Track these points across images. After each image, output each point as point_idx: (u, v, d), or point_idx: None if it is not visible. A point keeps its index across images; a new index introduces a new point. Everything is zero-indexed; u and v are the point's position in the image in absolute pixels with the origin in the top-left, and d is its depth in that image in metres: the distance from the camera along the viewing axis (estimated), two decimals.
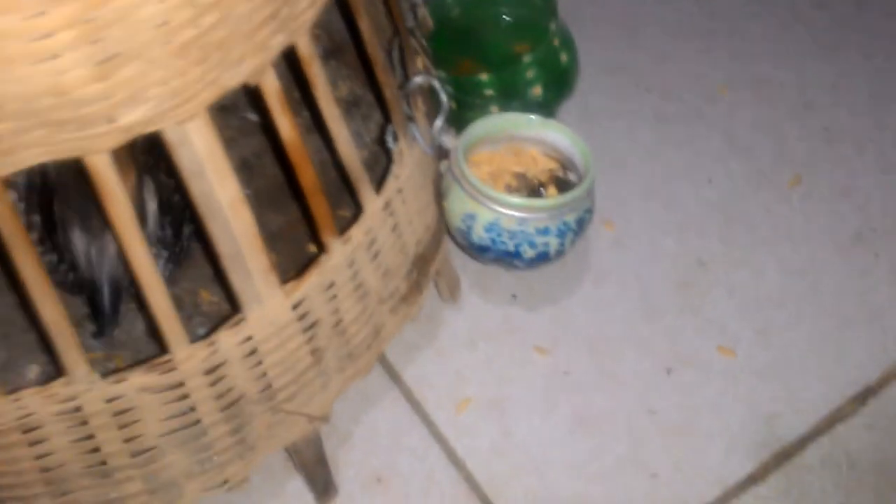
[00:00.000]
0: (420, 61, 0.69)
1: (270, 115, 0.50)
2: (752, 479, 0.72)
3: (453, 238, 0.77)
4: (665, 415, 0.75)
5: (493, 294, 0.82)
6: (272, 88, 0.49)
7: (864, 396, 0.76)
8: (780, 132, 0.95)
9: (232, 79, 0.45)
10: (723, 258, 0.85)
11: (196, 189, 0.49)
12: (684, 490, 0.71)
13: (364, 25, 0.56)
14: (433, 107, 0.71)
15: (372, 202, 0.61)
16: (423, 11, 0.74)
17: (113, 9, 0.35)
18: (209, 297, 0.67)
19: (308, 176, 0.54)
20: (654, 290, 0.83)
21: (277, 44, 0.47)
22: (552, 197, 0.74)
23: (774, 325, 0.80)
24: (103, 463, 0.56)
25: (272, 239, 0.68)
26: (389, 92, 0.61)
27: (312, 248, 0.70)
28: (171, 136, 0.46)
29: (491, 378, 0.77)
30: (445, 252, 0.75)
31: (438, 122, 0.68)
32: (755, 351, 0.79)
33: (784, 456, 0.73)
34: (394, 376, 0.77)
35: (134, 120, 0.42)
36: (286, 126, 0.51)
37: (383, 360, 0.78)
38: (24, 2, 0.34)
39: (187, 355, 0.54)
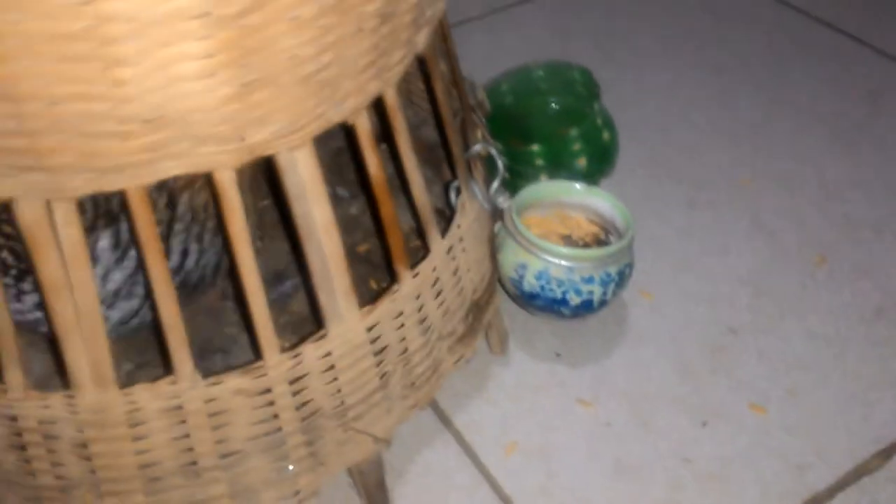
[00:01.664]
0: (479, 132, 0.79)
1: (361, 153, 0.59)
2: None
3: (505, 289, 0.85)
4: (701, 464, 0.80)
5: (539, 351, 0.88)
6: (364, 128, 0.58)
7: (889, 453, 0.81)
8: (802, 218, 1.03)
9: (336, 115, 0.55)
10: (752, 326, 0.92)
11: (297, 210, 0.58)
12: None
13: (439, 91, 0.66)
14: (489, 173, 0.81)
15: (438, 244, 0.70)
16: (482, 95, 0.85)
17: (259, 38, 0.45)
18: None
19: (388, 209, 0.63)
20: (688, 352, 0.89)
21: (373, 89, 0.57)
22: (597, 249, 0.82)
23: (802, 386, 0.86)
24: (194, 463, 0.62)
25: None
26: (457, 150, 0.70)
27: (374, 286, 0.78)
28: (282, 161, 0.55)
29: (536, 426, 0.83)
30: (498, 305, 0.82)
31: (495, 185, 0.77)
32: (785, 408, 0.84)
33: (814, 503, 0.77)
34: (445, 421, 0.83)
35: (259, 140, 0.52)
36: (373, 163, 0.60)
37: (435, 407, 0.84)
38: (195, 28, 0.43)
39: (277, 363, 0.61)
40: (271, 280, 0.80)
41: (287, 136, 0.53)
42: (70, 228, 0.51)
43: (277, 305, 0.78)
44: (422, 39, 0.60)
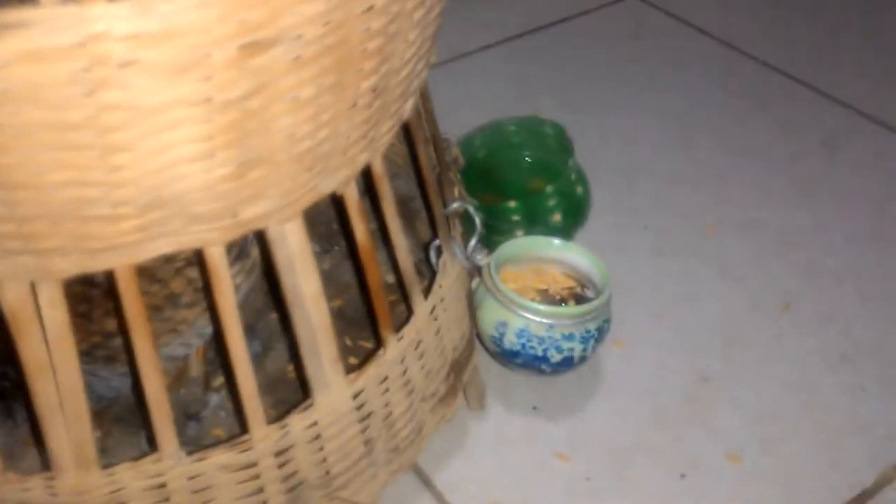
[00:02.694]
0: (456, 190, 0.79)
1: (349, 221, 0.59)
2: None
3: (485, 346, 0.84)
4: None
5: (516, 405, 0.88)
6: (353, 198, 0.58)
7: (862, 499, 0.82)
8: (766, 266, 1.06)
9: (327, 187, 0.55)
10: (724, 374, 0.93)
11: (286, 281, 0.57)
12: None
13: (422, 154, 0.66)
14: (467, 231, 0.81)
15: (420, 306, 0.69)
16: (456, 150, 0.85)
17: (259, 119, 0.45)
18: None
19: (375, 276, 0.62)
20: (662, 401, 0.90)
21: (362, 160, 0.56)
22: (577, 307, 0.82)
23: (774, 434, 0.87)
24: None
25: None
26: (438, 211, 0.70)
27: (348, 342, 0.77)
28: (272, 234, 0.54)
29: (516, 482, 0.82)
30: (476, 362, 0.82)
31: (472, 242, 0.77)
32: (759, 458, 0.85)
33: None
34: (426, 482, 0.82)
35: (251, 216, 0.51)
36: (361, 231, 0.60)
37: (415, 467, 0.83)
38: (196, 113, 0.43)
39: (263, 436, 0.60)
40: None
41: (279, 210, 0.52)
42: (54, 310, 0.50)
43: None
44: (408, 108, 0.60)
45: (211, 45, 0.40)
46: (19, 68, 0.37)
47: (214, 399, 0.76)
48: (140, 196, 0.44)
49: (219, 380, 0.78)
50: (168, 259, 0.69)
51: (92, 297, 0.65)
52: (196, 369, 0.77)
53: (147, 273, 0.69)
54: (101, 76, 0.38)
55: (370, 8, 0.46)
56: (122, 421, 0.73)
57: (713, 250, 1.07)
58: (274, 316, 0.82)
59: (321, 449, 0.64)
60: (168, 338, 0.71)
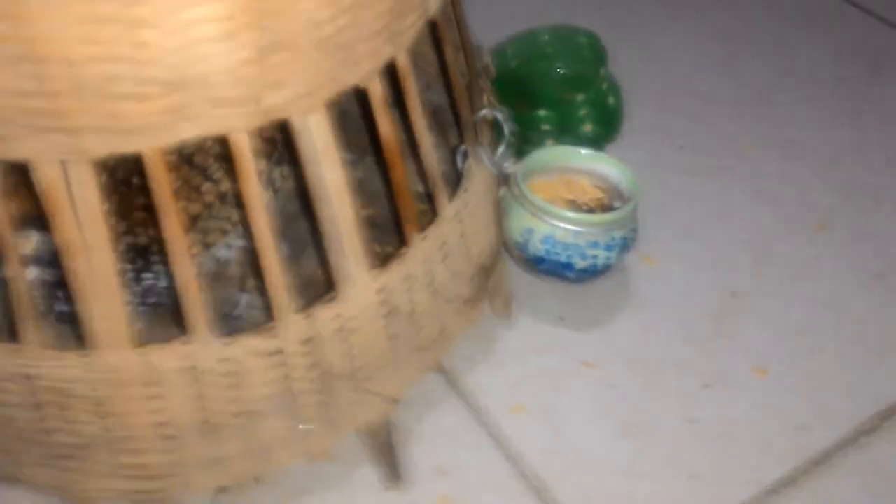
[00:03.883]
0: (486, 97, 0.79)
1: (373, 117, 0.60)
2: (785, 482, 0.77)
3: (511, 254, 0.86)
4: (703, 424, 0.81)
5: (543, 315, 0.89)
6: (377, 93, 0.59)
7: (887, 414, 0.82)
8: (804, 185, 1.04)
9: (349, 79, 0.55)
10: (754, 291, 0.93)
11: (310, 174, 0.58)
12: (722, 489, 0.77)
13: (449, 56, 0.67)
14: (495, 138, 0.81)
15: (446, 208, 0.70)
16: (488, 59, 0.85)
17: (278, 3, 0.46)
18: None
19: (399, 173, 0.63)
20: (690, 317, 0.90)
21: (386, 53, 0.57)
22: (603, 214, 0.83)
23: (803, 349, 0.87)
24: (208, 422, 0.64)
25: None
26: (465, 114, 0.71)
27: (377, 249, 0.78)
28: (297, 125, 0.55)
29: (542, 388, 0.84)
30: (503, 270, 0.83)
31: (501, 150, 0.78)
32: (786, 371, 0.85)
33: (814, 463, 0.79)
34: (452, 383, 0.84)
35: (274, 104, 0.52)
36: (386, 126, 0.61)
37: (442, 369, 0.85)
38: None
39: (289, 323, 0.62)
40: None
41: (302, 99, 0.53)
42: (86, 189, 0.52)
43: (285, 266, 0.79)
44: (433, 3, 0.60)
45: None
46: None
47: (247, 298, 0.78)
48: (164, 74, 0.46)
49: (253, 281, 0.80)
50: (221, 157, 0.71)
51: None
52: (233, 269, 0.79)
53: (201, 170, 0.72)
54: None
55: None
56: (163, 318, 0.76)
57: (749, 170, 1.06)
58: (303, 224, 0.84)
59: (346, 340, 0.66)
60: (215, 236, 0.74)
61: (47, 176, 0.51)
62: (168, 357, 0.60)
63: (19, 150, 0.50)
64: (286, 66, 0.50)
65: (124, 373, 0.59)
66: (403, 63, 0.60)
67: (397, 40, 0.57)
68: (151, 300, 0.73)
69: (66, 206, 0.52)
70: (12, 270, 0.55)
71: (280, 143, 0.75)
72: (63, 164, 0.50)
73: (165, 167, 0.53)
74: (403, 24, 0.57)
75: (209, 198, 0.73)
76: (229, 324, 0.77)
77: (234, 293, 0.80)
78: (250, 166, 0.55)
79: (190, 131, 0.52)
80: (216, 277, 0.79)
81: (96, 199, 0.52)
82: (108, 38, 0.42)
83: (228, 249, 0.75)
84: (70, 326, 0.70)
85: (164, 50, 0.45)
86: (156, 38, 0.44)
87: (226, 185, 0.73)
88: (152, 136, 0.50)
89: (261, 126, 0.53)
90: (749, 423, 0.81)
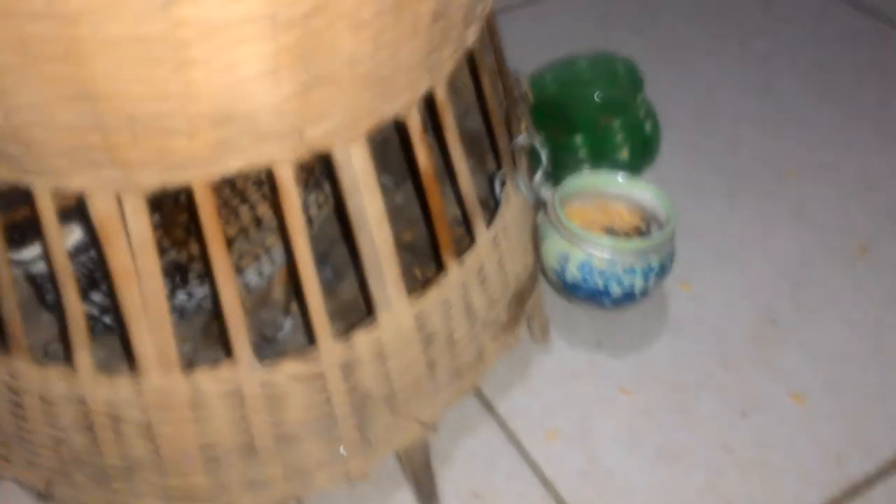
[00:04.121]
0: (523, 124, 0.81)
1: (411, 146, 0.61)
2: None
3: (548, 279, 0.86)
4: (740, 452, 0.81)
5: (580, 340, 0.90)
6: (416, 124, 0.60)
7: None
8: (845, 210, 1.04)
9: (389, 111, 0.57)
10: (793, 317, 0.92)
11: (351, 203, 0.60)
12: None
13: (487, 85, 0.68)
14: (532, 165, 0.82)
15: (483, 234, 0.71)
16: (526, 86, 0.86)
17: (321, 38, 0.47)
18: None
19: (436, 202, 0.65)
20: (728, 343, 0.90)
21: (424, 85, 0.59)
22: (639, 240, 0.83)
23: (842, 376, 0.87)
24: (251, 444, 0.65)
25: None
26: (502, 141, 0.72)
27: (417, 274, 0.80)
28: (338, 156, 0.57)
29: (578, 413, 0.85)
30: (540, 295, 0.84)
31: (538, 176, 0.79)
32: (825, 399, 0.85)
33: (853, 492, 0.78)
34: (488, 407, 0.85)
35: (316, 136, 0.54)
36: (423, 156, 0.62)
37: (479, 394, 0.86)
38: (261, 30, 0.46)
39: (330, 349, 0.64)
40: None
41: (343, 131, 0.55)
42: (139, 220, 0.54)
43: (324, 292, 0.81)
44: (471, 35, 0.62)
45: None
46: None
47: (291, 322, 0.80)
48: (213, 111, 0.48)
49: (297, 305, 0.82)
50: (258, 182, 0.73)
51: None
52: (278, 293, 0.81)
53: (239, 193, 0.74)
54: None
55: None
56: (208, 338, 0.78)
57: (790, 194, 1.06)
58: (345, 248, 0.85)
59: (384, 365, 0.67)
60: (247, 261, 0.76)
61: (101, 207, 0.53)
62: (214, 381, 0.62)
63: (75, 183, 0.52)
64: (327, 99, 0.52)
65: (172, 397, 0.61)
66: (441, 94, 0.62)
67: (436, 72, 0.59)
68: (182, 317, 0.76)
69: (119, 235, 0.54)
70: (69, 299, 0.58)
71: (317, 169, 0.77)
72: (117, 195, 0.53)
73: (213, 199, 0.55)
74: (442, 56, 0.58)
75: (245, 221, 0.75)
76: (272, 347, 0.79)
77: (277, 316, 0.82)
78: (293, 196, 0.57)
79: (236, 163, 0.54)
80: (259, 300, 0.81)
81: (148, 229, 0.54)
82: (160, 77, 0.45)
83: (259, 276, 0.77)
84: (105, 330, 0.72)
85: (213, 88, 0.46)
86: (205, 77, 0.46)
87: (262, 209, 0.75)
88: (200, 168, 0.52)
89: (302, 157, 0.55)
90: (787, 451, 0.81)
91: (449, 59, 0.60)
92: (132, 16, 0.41)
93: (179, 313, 0.75)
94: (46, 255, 0.65)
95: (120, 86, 0.44)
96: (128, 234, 0.54)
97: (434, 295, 0.68)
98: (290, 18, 0.44)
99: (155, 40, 0.42)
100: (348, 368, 0.65)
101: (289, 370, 0.63)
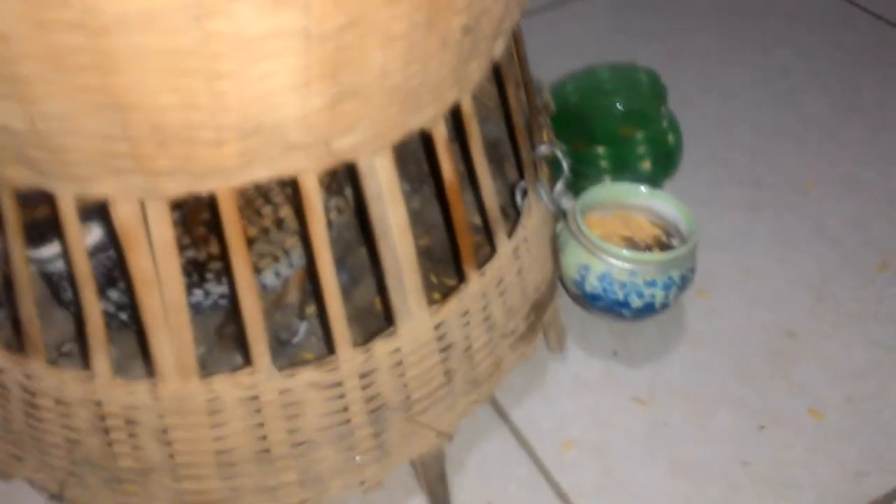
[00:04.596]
0: (545, 134, 0.80)
1: (436, 156, 0.61)
2: None
3: (566, 289, 0.86)
4: (758, 467, 0.81)
5: (596, 349, 0.90)
6: (442, 136, 0.60)
7: None
8: (866, 224, 1.03)
9: (416, 123, 0.57)
10: (812, 331, 0.92)
11: (374, 212, 0.60)
12: None
13: (511, 96, 0.68)
14: (553, 174, 0.82)
15: (504, 245, 0.71)
16: (547, 96, 0.86)
17: (353, 52, 0.47)
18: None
19: (459, 213, 0.64)
20: (746, 356, 0.90)
21: (451, 97, 0.58)
22: (661, 253, 0.83)
23: (861, 392, 0.86)
24: (268, 451, 0.65)
25: None
26: (524, 150, 0.72)
27: (433, 279, 0.80)
28: (363, 166, 0.57)
29: (593, 423, 0.84)
30: (557, 304, 0.84)
31: (559, 186, 0.79)
32: (843, 414, 0.84)
33: None
34: (503, 415, 0.85)
35: (342, 147, 0.54)
36: (448, 168, 0.62)
37: (493, 402, 0.86)
38: (293, 44, 0.45)
39: (349, 357, 0.63)
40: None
41: (369, 143, 0.55)
42: (161, 227, 0.54)
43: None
44: (499, 47, 0.61)
45: None
46: None
47: (306, 326, 0.80)
48: (242, 122, 0.47)
49: (312, 308, 0.82)
50: (282, 183, 0.73)
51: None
52: (293, 296, 0.81)
53: (263, 194, 0.74)
54: (208, 4, 0.41)
55: None
56: (224, 340, 0.78)
57: (811, 207, 1.05)
58: (364, 251, 0.85)
59: (402, 375, 0.67)
60: (266, 262, 0.76)
61: (125, 213, 0.53)
62: (232, 387, 0.62)
63: (99, 189, 0.52)
64: (356, 112, 0.51)
65: (190, 402, 0.61)
66: (468, 106, 0.62)
67: (463, 84, 0.59)
68: (197, 313, 0.75)
69: (142, 241, 0.54)
70: (88, 303, 0.58)
71: (340, 174, 0.77)
72: (140, 202, 0.52)
73: (237, 206, 0.55)
74: (469, 69, 0.58)
75: (266, 222, 0.74)
76: (287, 350, 0.79)
77: (292, 319, 0.82)
78: (318, 205, 0.56)
79: (262, 172, 0.53)
80: (275, 302, 0.81)
81: (170, 235, 0.54)
82: (190, 88, 0.44)
83: (276, 277, 0.77)
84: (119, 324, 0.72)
85: (242, 99, 0.46)
86: (234, 89, 0.45)
87: (284, 211, 0.74)
88: (226, 177, 0.52)
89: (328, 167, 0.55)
90: (805, 466, 0.80)
91: (476, 72, 0.59)
92: (165, 28, 0.40)
93: (195, 310, 0.75)
94: (65, 255, 0.65)
95: (149, 96, 0.44)
96: (150, 241, 0.54)
97: (454, 305, 0.68)
98: (322, 33, 0.44)
99: (187, 52, 0.42)
100: (366, 377, 0.65)
101: (307, 378, 0.63)
